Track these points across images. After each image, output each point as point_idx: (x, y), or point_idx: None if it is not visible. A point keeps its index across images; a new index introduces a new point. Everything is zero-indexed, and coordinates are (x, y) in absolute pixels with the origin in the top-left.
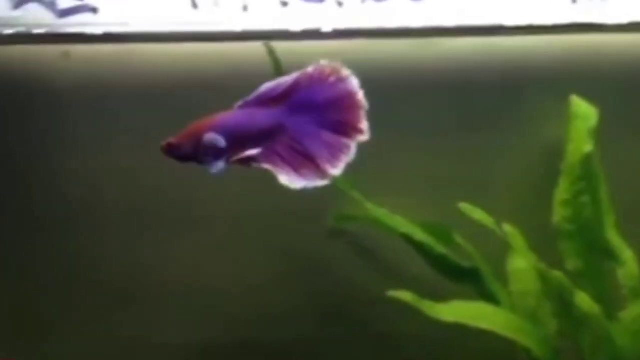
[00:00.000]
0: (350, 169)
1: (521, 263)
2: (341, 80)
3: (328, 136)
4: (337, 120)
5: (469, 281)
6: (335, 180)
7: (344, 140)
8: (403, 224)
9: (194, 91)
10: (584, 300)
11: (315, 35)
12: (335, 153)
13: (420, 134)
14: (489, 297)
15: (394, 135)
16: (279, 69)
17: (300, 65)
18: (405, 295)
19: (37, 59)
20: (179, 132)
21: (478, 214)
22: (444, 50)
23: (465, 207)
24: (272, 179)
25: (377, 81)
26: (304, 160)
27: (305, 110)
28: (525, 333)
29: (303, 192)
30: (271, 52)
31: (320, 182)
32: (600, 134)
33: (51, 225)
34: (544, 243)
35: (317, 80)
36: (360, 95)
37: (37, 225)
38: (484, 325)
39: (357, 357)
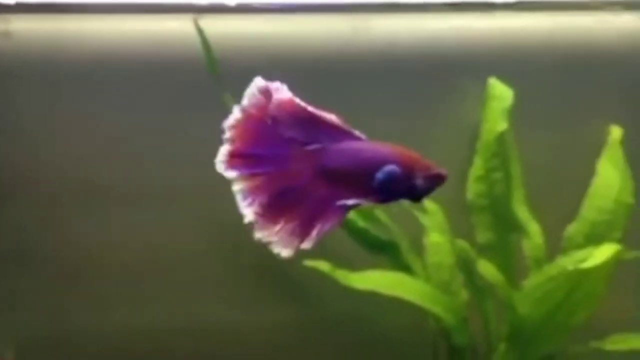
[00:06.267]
0: None
1: (437, 237)
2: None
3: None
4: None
5: (387, 253)
6: None
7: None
8: None
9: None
10: (487, 270)
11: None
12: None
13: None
14: (405, 269)
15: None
16: (207, 47)
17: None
18: (322, 265)
19: None
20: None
21: None
22: (368, 32)
23: None
24: (198, 153)
25: (302, 60)
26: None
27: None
28: (436, 302)
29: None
30: (200, 30)
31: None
32: (518, 114)
33: None
34: (462, 219)
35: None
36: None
37: None
38: (396, 293)
39: (280, 327)
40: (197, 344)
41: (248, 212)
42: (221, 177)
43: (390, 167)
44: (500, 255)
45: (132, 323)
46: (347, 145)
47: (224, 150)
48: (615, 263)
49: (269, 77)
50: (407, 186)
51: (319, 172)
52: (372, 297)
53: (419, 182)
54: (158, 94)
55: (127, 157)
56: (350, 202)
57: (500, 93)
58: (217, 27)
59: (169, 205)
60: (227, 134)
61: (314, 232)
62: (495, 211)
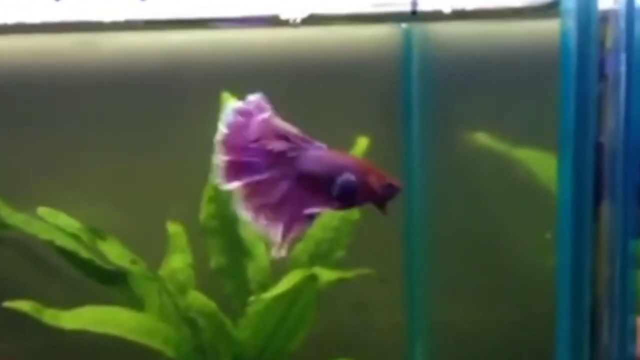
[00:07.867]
0: None
1: (177, 263)
2: None
3: None
4: None
5: (115, 284)
6: None
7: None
8: (43, 230)
9: None
10: (196, 299)
11: None
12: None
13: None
14: (136, 300)
15: (65, 133)
16: None
17: None
18: (24, 305)
19: None
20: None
21: (61, 220)
22: (102, 48)
23: (45, 211)
24: None
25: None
26: None
27: None
28: (154, 335)
29: None
30: None
31: None
32: None
33: None
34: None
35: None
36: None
37: None
38: (106, 329)
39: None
40: None
41: (247, 215)
42: None
43: (345, 175)
44: (234, 281)
45: None
46: (313, 152)
47: (221, 165)
48: (320, 285)
49: None
50: (364, 193)
51: (296, 177)
52: None
53: (377, 189)
54: None
55: None
56: (317, 209)
57: None
58: None
59: None
60: (218, 149)
61: (288, 238)
62: (226, 233)
